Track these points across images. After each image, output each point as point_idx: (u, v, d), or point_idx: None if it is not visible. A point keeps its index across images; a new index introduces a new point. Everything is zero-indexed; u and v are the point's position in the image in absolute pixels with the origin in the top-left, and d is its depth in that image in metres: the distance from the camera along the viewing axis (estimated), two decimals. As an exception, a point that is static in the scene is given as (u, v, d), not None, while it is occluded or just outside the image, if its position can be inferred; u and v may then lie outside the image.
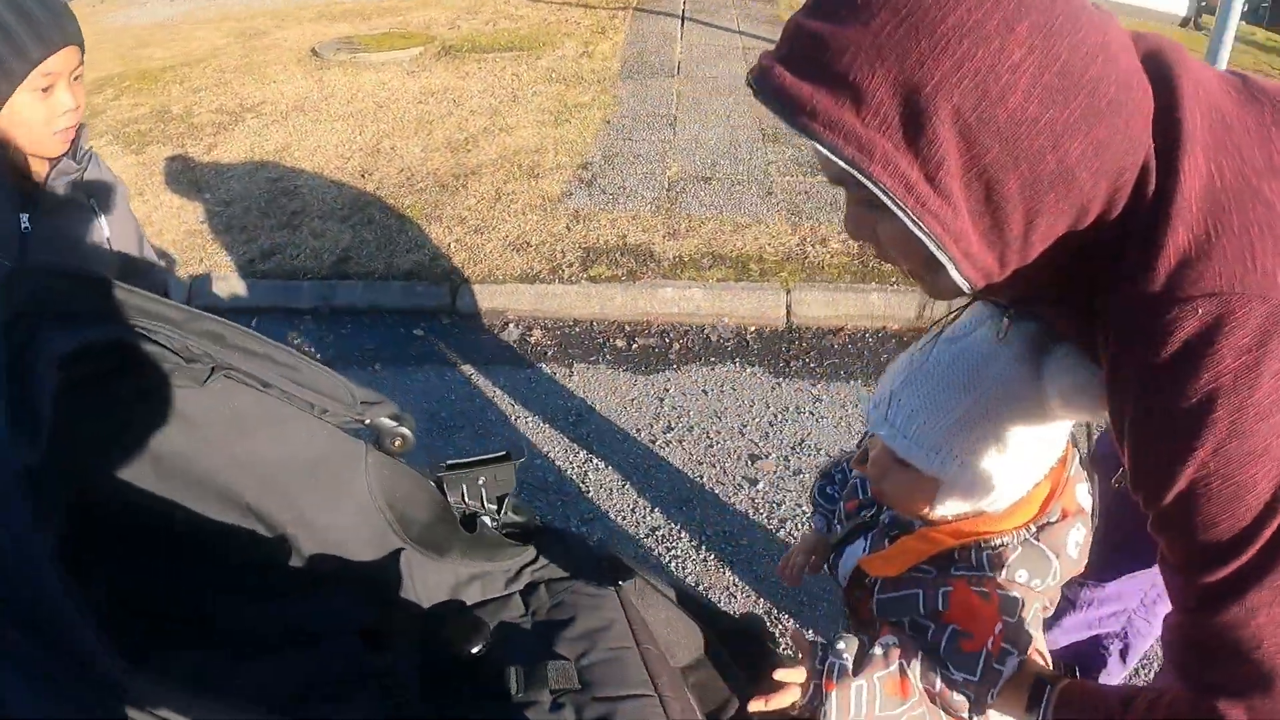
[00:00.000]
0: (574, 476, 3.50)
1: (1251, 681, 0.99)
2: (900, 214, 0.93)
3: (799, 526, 3.28)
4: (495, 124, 6.60)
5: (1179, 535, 1.01)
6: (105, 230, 1.94)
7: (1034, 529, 1.35)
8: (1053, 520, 1.36)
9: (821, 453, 3.65)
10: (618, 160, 6.01)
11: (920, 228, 0.93)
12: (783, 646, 2.58)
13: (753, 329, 4.53)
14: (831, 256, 4.97)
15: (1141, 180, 0.96)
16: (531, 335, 4.40)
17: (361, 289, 4.64)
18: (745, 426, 3.82)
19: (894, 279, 4.77)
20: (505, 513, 1.82)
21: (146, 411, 1.48)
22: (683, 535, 3.25)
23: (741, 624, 1.91)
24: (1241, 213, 0.92)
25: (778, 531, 3.26)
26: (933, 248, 0.95)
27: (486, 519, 1.80)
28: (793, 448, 3.69)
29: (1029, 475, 1.33)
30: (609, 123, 6.71)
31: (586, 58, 8.37)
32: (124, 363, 1.41)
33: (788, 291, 4.65)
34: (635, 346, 4.36)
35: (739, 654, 1.82)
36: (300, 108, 7.09)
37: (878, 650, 1.36)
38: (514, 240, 5.00)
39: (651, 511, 3.35)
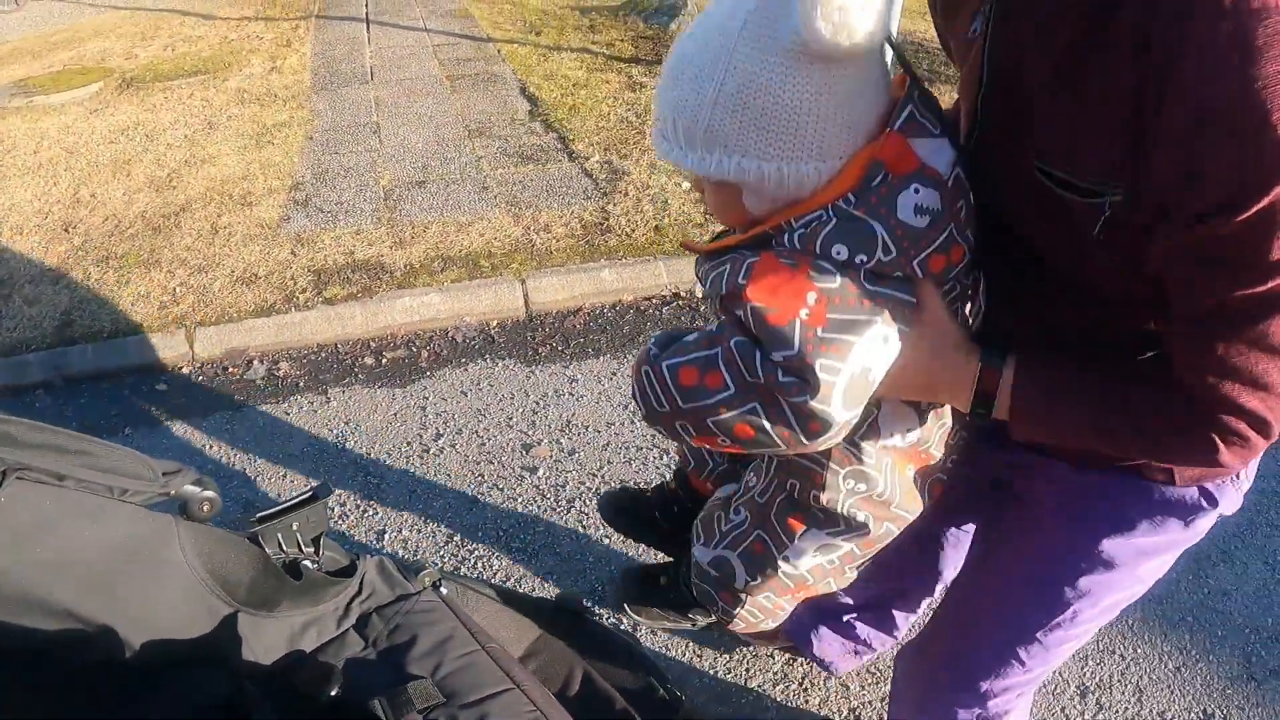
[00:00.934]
0: (356, 501, 3.58)
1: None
2: None
3: (587, 504, 3.48)
4: (195, 155, 6.45)
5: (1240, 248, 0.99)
6: None
7: (851, 198, 1.19)
8: (874, 183, 1.19)
9: (589, 429, 3.85)
10: (329, 176, 6.01)
11: None
12: (603, 617, 2.77)
13: (495, 324, 4.68)
14: (557, 241, 5.17)
15: None
16: (279, 369, 4.41)
17: (93, 352, 4.50)
18: (511, 419, 3.98)
19: (620, 253, 5.00)
20: (322, 552, 1.86)
21: None
22: (478, 535, 3.39)
23: (561, 604, 2.02)
24: None
25: (568, 512, 3.46)
26: None
27: (307, 562, 1.83)
28: (561, 430, 3.89)
29: (822, 147, 1.18)
30: (312, 139, 6.67)
31: (276, 74, 8.24)
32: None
33: (522, 281, 4.82)
34: (385, 361, 4.44)
35: (565, 633, 1.93)
36: (-20, 165, 6.72)
37: (690, 336, 1.29)
38: (241, 274, 4.96)
39: (442, 519, 3.48)
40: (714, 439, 1.26)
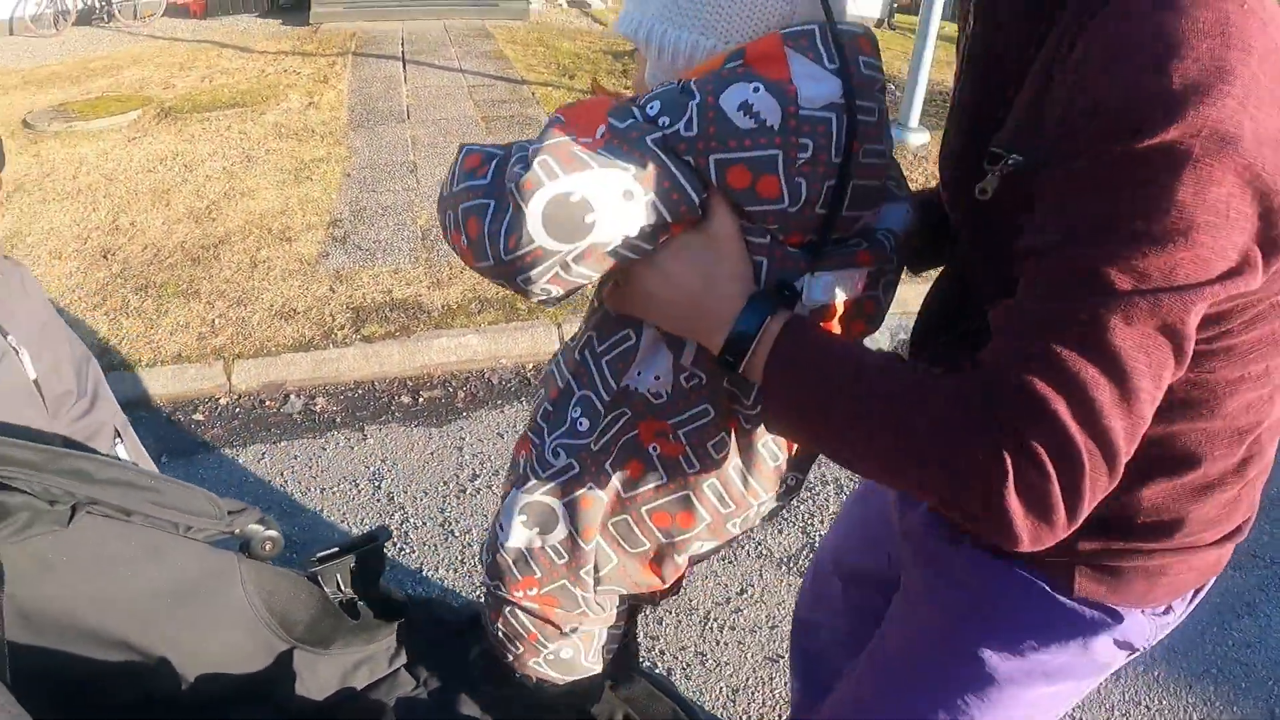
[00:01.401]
0: (392, 539, 3.58)
1: (1090, 377, 0.88)
2: None
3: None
4: (234, 188, 6.52)
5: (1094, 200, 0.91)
6: (28, 370, 1.70)
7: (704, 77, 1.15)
8: (726, 67, 1.15)
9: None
10: (366, 214, 6.07)
11: None
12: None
13: (531, 366, 4.71)
14: (590, 289, 5.18)
15: None
16: (316, 404, 4.44)
17: (130, 379, 4.54)
18: (544, 464, 3.98)
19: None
20: (377, 593, 1.87)
21: (11, 570, 1.43)
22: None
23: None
24: None
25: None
26: None
27: (363, 603, 1.85)
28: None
29: (727, 27, 1.17)
30: (349, 175, 6.74)
31: (313, 109, 8.34)
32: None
33: (558, 325, 4.86)
34: (422, 400, 4.47)
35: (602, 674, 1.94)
36: (21, 187, 6.76)
37: None
38: (280, 309, 5.00)
39: (478, 560, 3.47)
40: (458, 235, 1.14)
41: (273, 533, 1.68)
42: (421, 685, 1.82)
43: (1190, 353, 0.92)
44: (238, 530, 1.65)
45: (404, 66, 9.84)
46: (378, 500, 3.80)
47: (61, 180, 6.85)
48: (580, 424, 1.31)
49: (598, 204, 1.07)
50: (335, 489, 3.87)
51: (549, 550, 1.39)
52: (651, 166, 1.09)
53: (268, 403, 4.47)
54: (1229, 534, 1.27)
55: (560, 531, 1.37)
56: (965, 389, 0.94)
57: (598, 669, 1.61)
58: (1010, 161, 1.05)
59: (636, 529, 1.37)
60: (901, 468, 1.00)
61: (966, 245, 1.27)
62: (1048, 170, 0.96)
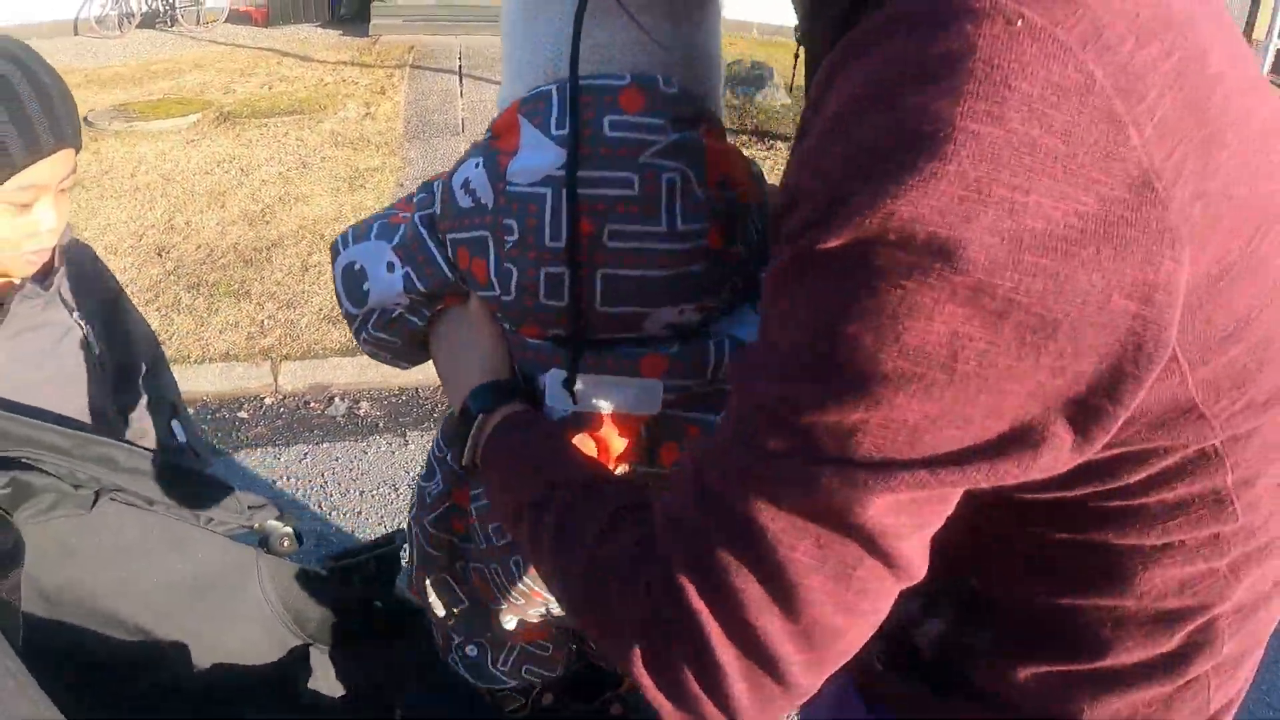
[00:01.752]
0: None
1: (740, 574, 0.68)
2: None
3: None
4: (289, 193, 6.61)
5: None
6: (95, 350, 1.65)
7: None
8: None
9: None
10: (419, 224, 6.13)
11: None
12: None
13: (571, 384, 4.72)
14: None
15: None
16: (360, 408, 4.48)
17: (179, 375, 4.56)
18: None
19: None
20: (393, 595, 1.87)
21: (32, 550, 1.42)
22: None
23: None
24: None
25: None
26: None
27: (379, 603, 1.86)
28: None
29: (519, 70, 1.08)
30: (402, 186, 6.81)
31: (370, 119, 8.43)
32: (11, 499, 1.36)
33: (600, 345, 4.87)
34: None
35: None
36: (80, 183, 6.88)
37: None
38: (328, 313, 5.05)
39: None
40: None
41: (290, 529, 1.70)
42: (435, 687, 1.82)
43: (912, 551, 0.67)
44: (257, 525, 1.68)
45: (460, 80, 9.92)
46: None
47: (120, 178, 6.98)
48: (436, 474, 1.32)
49: (370, 273, 1.12)
50: (374, 492, 3.90)
51: None
52: (412, 241, 1.09)
53: (312, 404, 4.51)
54: None
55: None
56: (626, 558, 0.77)
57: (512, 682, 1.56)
58: None
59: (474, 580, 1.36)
60: (566, 606, 0.88)
61: None
62: None
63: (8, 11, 12.50)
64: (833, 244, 0.58)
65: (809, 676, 0.70)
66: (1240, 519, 0.74)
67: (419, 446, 4.19)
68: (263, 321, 4.99)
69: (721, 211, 1.04)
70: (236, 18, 13.96)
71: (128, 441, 1.49)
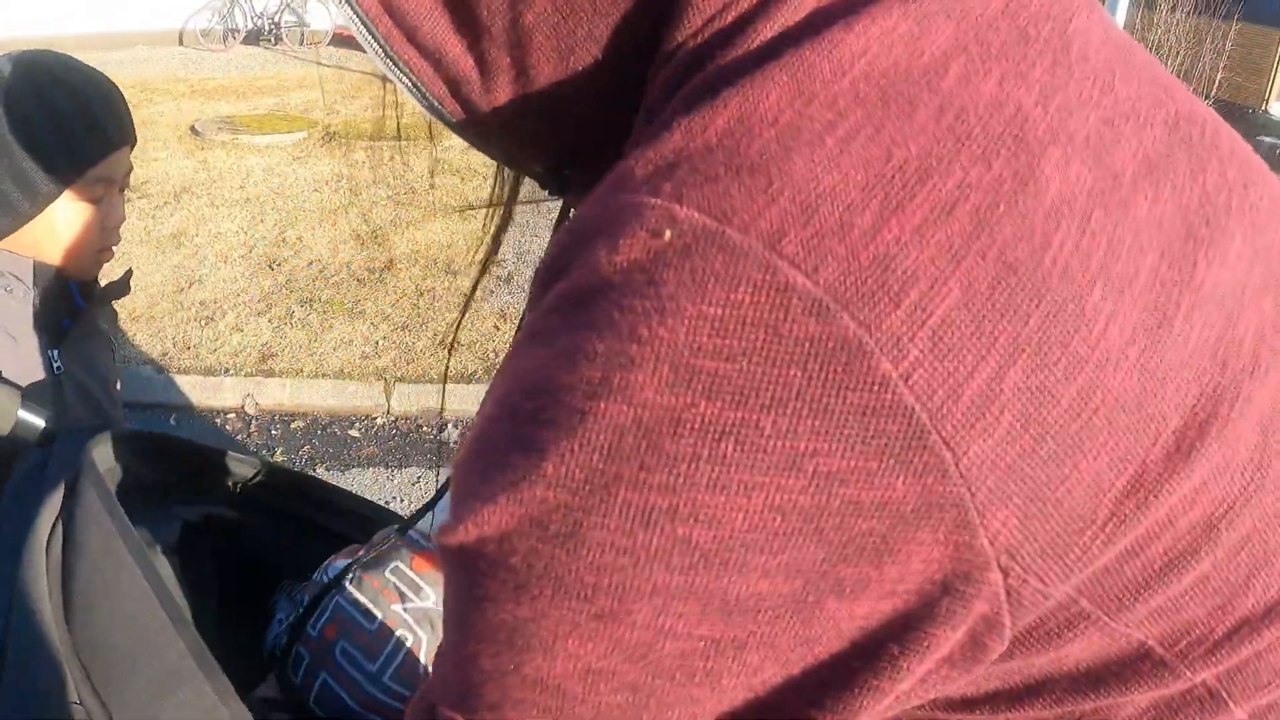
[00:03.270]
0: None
1: None
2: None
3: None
4: (400, 217, 6.62)
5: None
6: (112, 358, 1.69)
7: None
8: None
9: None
10: (529, 259, 6.10)
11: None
12: None
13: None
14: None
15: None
16: (472, 437, 4.41)
17: (290, 387, 4.58)
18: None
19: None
20: None
21: None
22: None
23: None
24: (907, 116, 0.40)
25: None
26: (366, 40, 0.52)
27: None
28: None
29: None
30: (514, 219, 6.79)
31: (473, 150, 8.46)
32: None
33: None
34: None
35: None
36: (189, 189, 6.95)
37: None
38: (444, 339, 5.03)
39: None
40: None
41: None
42: None
43: None
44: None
45: (562, 121, 10.00)
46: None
47: (229, 189, 7.03)
48: None
49: None
50: (489, 524, 3.83)
51: None
52: None
53: (424, 428, 4.46)
54: None
55: None
56: None
57: None
58: None
59: None
60: None
61: None
62: None
63: (115, 20, 12.77)
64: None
65: None
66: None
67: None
68: (377, 342, 4.96)
69: None
70: (340, 41, 14.15)
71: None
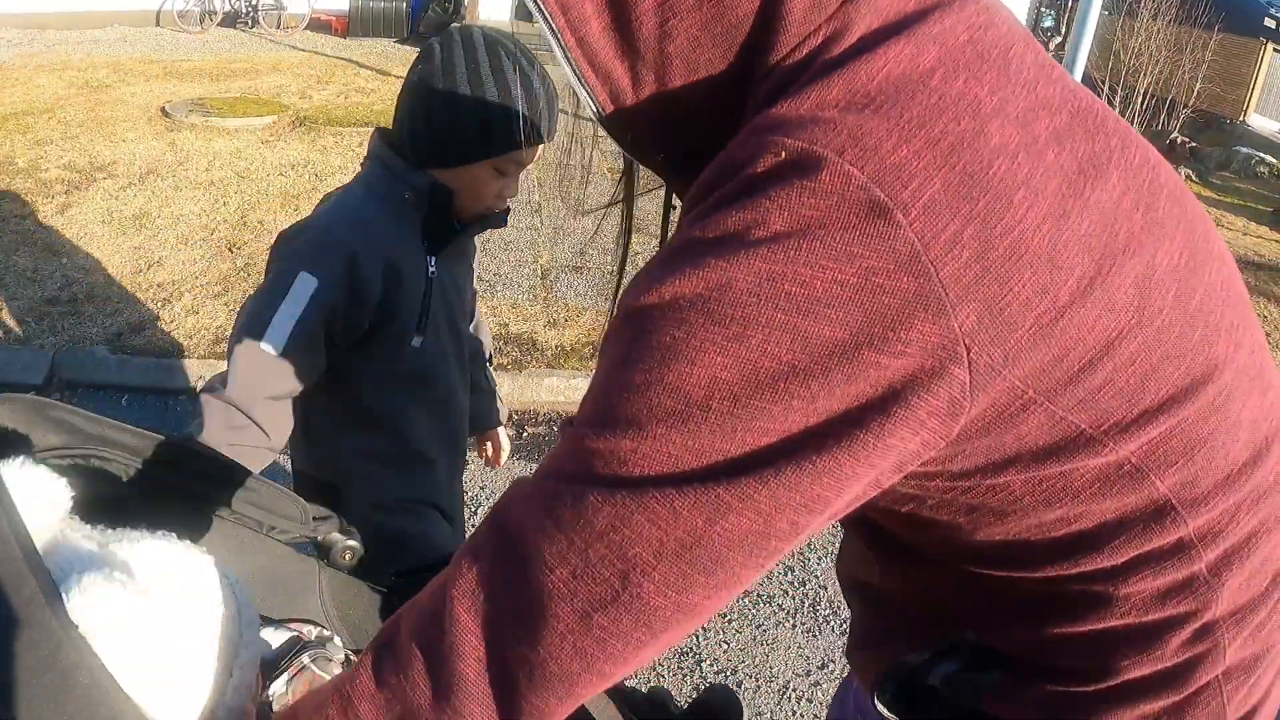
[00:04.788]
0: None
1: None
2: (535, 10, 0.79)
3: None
4: (362, 202, 6.61)
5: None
6: (472, 280, 2.21)
7: None
8: None
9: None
10: (490, 247, 6.14)
11: (545, 16, 0.79)
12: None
13: (633, 421, 4.70)
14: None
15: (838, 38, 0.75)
16: (421, 422, 4.45)
17: (243, 370, 4.57)
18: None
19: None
20: None
21: None
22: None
23: (653, 696, 1.95)
24: (934, 119, 0.69)
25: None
26: (555, 48, 0.80)
27: None
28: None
29: None
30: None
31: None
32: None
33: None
34: (525, 435, 4.47)
35: None
36: (155, 171, 6.96)
37: None
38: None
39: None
40: None
41: (353, 543, 1.68)
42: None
43: (671, 604, 0.72)
44: (320, 536, 1.66)
45: (535, 110, 10.02)
46: (471, 525, 3.79)
47: (195, 170, 7.05)
48: None
49: None
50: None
51: None
52: None
53: (374, 413, 4.48)
54: None
55: None
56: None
57: None
58: None
59: None
60: None
61: None
62: None
63: (92, -2, 12.72)
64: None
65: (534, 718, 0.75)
66: (1191, 521, 0.82)
67: (478, 467, 4.15)
68: (331, 326, 4.96)
69: None
70: (316, 25, 14.14)
71: (199, 446, 1.57)
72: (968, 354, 0.68)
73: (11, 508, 0.91)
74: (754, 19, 0.77)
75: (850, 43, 0.74)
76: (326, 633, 1.24)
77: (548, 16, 0.79)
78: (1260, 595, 0.89)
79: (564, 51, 0.80)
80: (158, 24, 13.41)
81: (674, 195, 1.04)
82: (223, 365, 4.17)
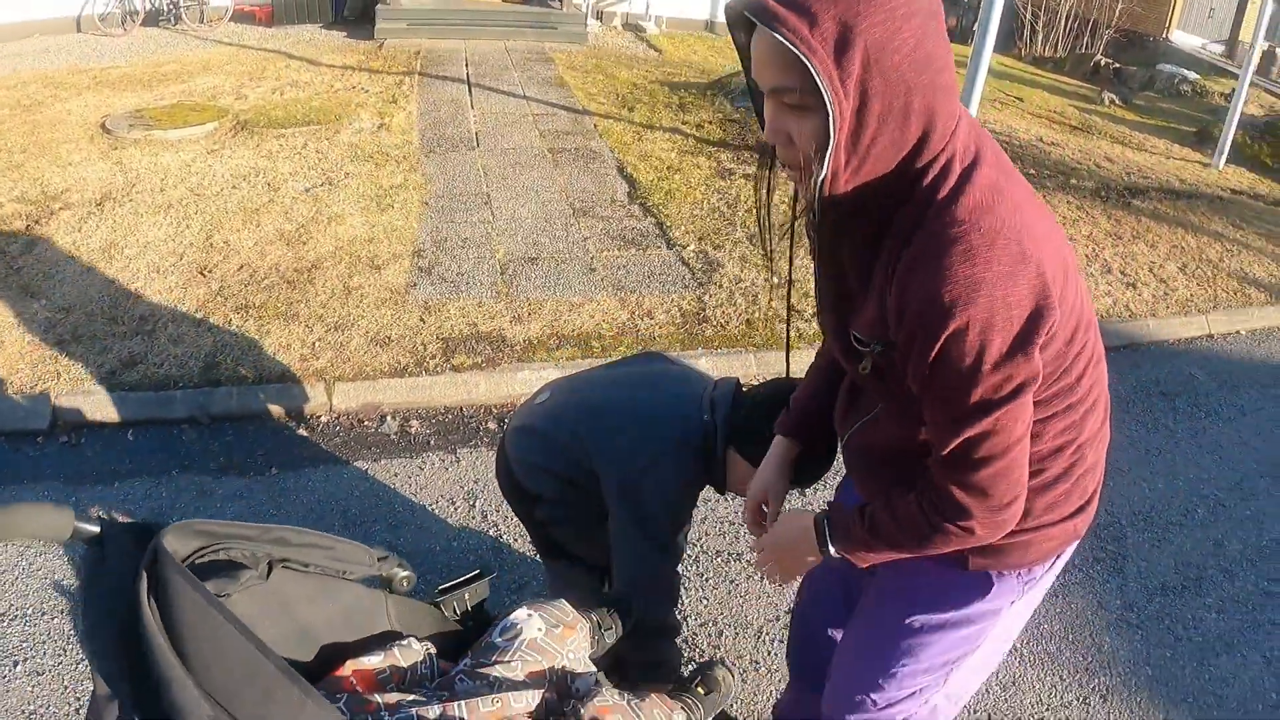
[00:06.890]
0: (491, 556, 3.96)
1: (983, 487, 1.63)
2: (827, 99, 1.40)
3: (689, 569, 3.87)
4: (321, 212, 6.90)
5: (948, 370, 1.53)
6: None
7: None
8: None
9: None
10: (447, 245, 6.45)
11: (833, 113, 1.40)
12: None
13: (603, 404, 5.07)
14: (660, 327, 5.59)
15: (946, 149, 1.52)
16: (410, 426, 4.82)
17: (237, 395, 4.90)
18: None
19: (715, 343, 5.39)
20: (484, 615, 2.32)
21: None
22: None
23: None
24: (1007, 193, 1.53)
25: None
26: (832, 132, 1.43)
27: (471, 622, 2.29)
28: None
29: None
30: (428, 204, 7.12)
31: (385, 131, 8.71)
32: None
33: (629, 365, 5.22)
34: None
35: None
36: (110, 196, 7.01)
37: None
38: (375, 336, 5.39)
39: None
40: None
41: (408, 573, 2.17)
42: None
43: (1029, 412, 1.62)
44: (384, 573, 2.13)
45: (469, 90, 10.21)
46: (473, 518, 4.18)
47: (149, 192, 7.17)
48: None
49: None
50: (434, 506, 4.26)
51: None
52: None
53: (365, 422, 4.85)
54: (1070, 514, 1.87)
55: None
56: (930, 506, 1.72)
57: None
58: (876, 349, 1.65)
59: None
60: (913, 551, 1.83)
61: (862, 381, 1.82)
62: (904, 362, 1.58)
63: (9, 8, 12.65)
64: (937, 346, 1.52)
65: (1011, 502, 1.69)
66: (1078, 394, 1.74)
67: (469, 463, 4.54)
68: (313, 344, 5.28)
69: None
70: (240, 17, 14.16)
71: (289, 530, 1.93)
72: (1057, 317, 1.51)
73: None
74: (916, 139, 1.50)
75: (957, 170, 1.52)
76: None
77: (836, 130, 1.44)
78: (1096, 432, 1.84)
79: (829, 157, 1.47)
80: (79, 30, 13.37)
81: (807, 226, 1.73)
82: (217, 392, 4.41)
